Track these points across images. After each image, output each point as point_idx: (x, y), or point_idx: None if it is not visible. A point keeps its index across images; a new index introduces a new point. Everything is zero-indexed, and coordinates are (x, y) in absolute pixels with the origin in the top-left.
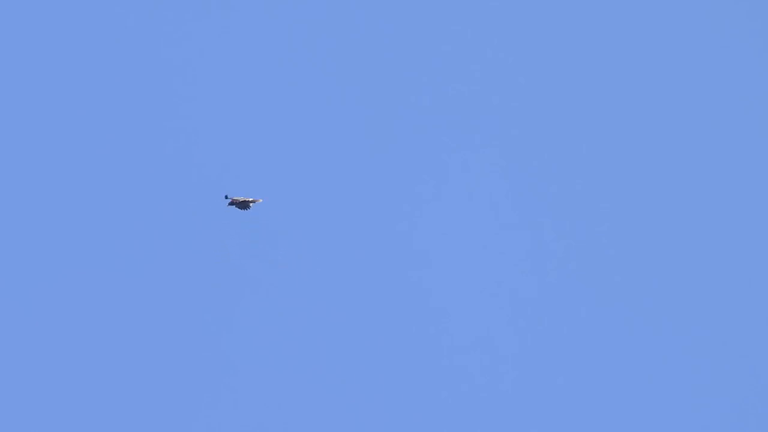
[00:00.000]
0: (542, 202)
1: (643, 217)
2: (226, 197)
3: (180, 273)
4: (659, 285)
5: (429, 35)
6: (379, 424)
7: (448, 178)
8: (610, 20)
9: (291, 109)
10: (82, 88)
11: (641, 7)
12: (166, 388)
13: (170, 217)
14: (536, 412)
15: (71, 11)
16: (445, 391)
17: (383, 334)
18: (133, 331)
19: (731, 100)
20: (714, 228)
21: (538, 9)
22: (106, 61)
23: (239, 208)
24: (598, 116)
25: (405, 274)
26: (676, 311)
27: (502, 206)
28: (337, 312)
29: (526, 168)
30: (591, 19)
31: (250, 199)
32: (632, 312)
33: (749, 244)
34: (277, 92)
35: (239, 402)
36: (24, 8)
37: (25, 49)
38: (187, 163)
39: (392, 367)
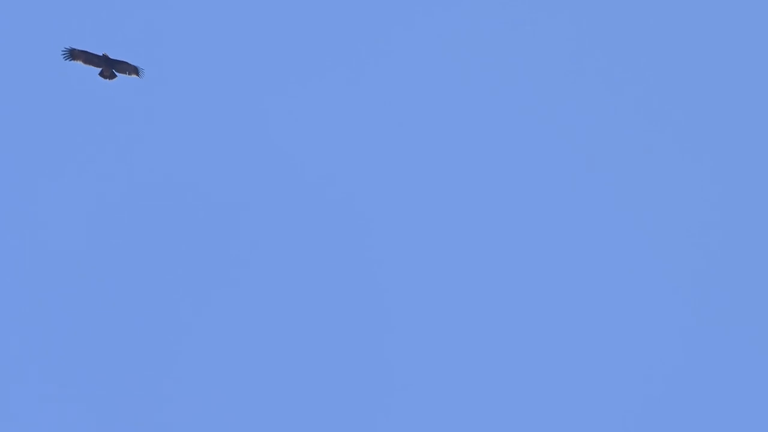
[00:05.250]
0: (543, 202)
1: (645, 218)
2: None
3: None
4: (661, 285)
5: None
6: (377, 423)
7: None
8: (611, 20)
9: (290, 108)
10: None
11: (642, 7)
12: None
13: (169, 216)
14: (537, 412)
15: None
16: (445, 391)
17: (382, 334)
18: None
19: (732, 100)
20: (716, 228)
21: (538, 9)
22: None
23: (99, 70)
24: (600, 116)
25: (405, 273)
26: (678, 311)
27: (502, 206)
28: (336, 311)
29: (526, 167)
30: (592, 18)
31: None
32: (634, 312)
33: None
34: (277, 91)
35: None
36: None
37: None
38: (186, 162)
39: (391, 366)
